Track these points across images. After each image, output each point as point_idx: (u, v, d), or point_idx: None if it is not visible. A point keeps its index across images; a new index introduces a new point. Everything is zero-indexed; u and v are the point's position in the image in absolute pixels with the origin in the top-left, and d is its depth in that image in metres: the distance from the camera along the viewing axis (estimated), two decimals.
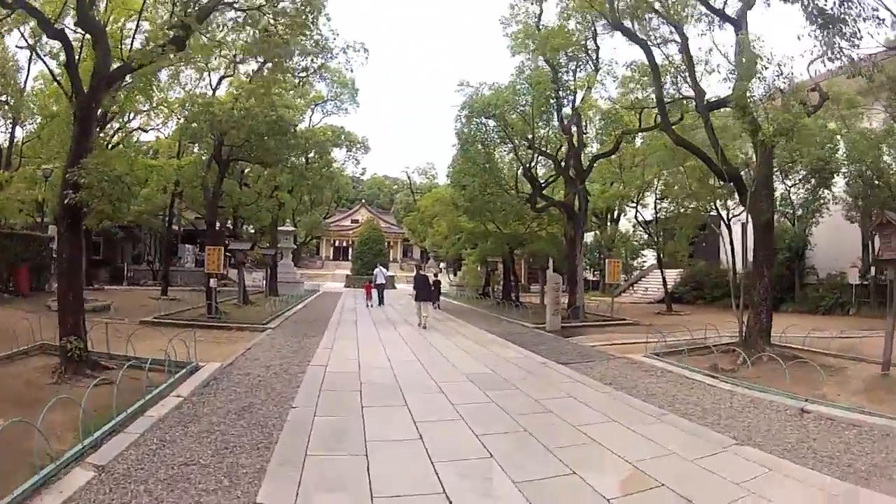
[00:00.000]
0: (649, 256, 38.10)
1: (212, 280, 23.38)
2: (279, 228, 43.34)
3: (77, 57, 14.69)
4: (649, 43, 19.03)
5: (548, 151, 28.66)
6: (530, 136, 27.23)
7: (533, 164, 29.58)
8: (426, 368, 13.74)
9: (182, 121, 24.98)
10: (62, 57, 16.19)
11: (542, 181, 30.11)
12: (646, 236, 34.91)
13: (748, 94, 15.06)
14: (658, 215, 32.53)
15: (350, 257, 77.21)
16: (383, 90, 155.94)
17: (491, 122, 26.82)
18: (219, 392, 10.45)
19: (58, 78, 22.75)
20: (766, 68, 14.82)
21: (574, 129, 26.82)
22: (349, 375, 12.55)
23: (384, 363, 14.37)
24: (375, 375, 12.64)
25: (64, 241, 12.26)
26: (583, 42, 25.82)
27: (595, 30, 25.03)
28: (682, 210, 30.61)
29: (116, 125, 31.24)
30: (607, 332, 22.23)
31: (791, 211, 28.75)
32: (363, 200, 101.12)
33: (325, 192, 52.59)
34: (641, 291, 42.97)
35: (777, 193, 25.91)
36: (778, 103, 15.17)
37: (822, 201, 27.37)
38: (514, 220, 31.87)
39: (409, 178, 66.72)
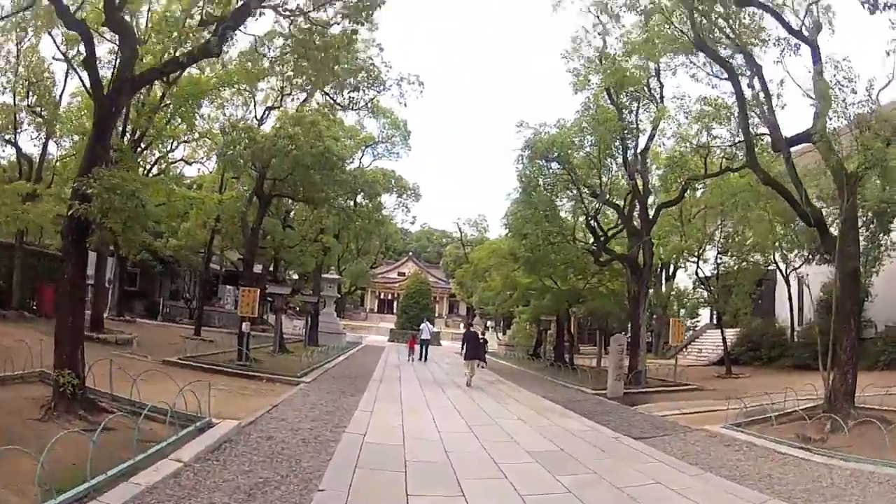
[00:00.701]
0: (703, 315, 36.07)
1: (244, 324, 21.51)
2: (323, 276, 41.66)
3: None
4: (719, 74, 18.08)
5: (612, 200, 26.52)
6: (596, 181, 25.39)
7: (598, 212, 27.45)
8: (482, 443, 11.53)
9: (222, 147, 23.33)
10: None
11: (604, 232, 27.93)
12: (704, 293, 32.64)
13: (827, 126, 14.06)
14: (718, 270, 30.44)
15: (395, 311, 75.96)
16: (430, 137, 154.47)
17: (554, 165, 24.86)
18: (230, 459, 8.47)
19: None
20: (856, 92, 13.92)
21: (638, 175, 24.87)
22: (391, 449, 10.46)
23: (432, 433, 12.28)
24: (423, 450, 10.53)
25: (68, 259, 10.95)
26: (645, 81, 24.42)
27: (658, 67, 23.61)
28: (742, 264, 29.15)
29: (157, 153, 30.52)
30: (673, 398, 20.26)
31: None
32: (410, 253, 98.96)
33: (372, 240, 51.14)
34: (695, 353, 39.67)
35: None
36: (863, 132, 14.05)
37: (882, 248, 25.00)
38: (573, 275, 29.71)
39: (459, 229, 64.05)
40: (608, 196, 26.27)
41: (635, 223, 25.98)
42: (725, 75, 17.83)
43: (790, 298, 29.40)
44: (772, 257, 28.56)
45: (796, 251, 25.86)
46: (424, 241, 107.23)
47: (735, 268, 30.04)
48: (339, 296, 49.30)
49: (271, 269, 35.26)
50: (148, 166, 29.46)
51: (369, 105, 25.56)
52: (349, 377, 21.65)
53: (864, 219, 24.62)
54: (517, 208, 26.37)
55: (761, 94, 16.63)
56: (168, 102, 24.41)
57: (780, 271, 28.69)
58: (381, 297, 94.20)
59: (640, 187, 24.82)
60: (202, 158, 34.56)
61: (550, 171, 24.69)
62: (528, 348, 42.18)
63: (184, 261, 40.37)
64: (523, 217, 25.25)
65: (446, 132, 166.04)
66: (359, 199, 34.20)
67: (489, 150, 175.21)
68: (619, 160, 25.75)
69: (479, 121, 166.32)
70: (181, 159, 34.26)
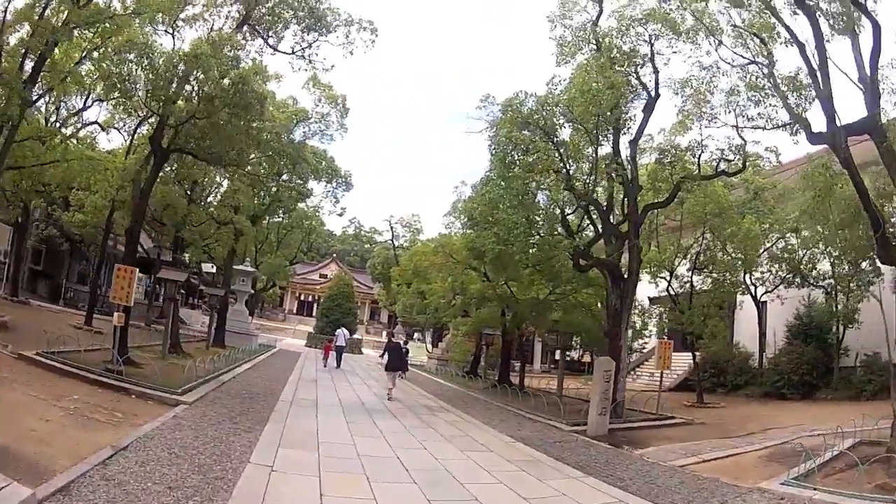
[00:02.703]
0: (652, 338, 32.41)
1: (116, 315, 15.98)
2: (235, 267, 35.93)
3: None
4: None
5: (592, 195, 21.65)
6: (586, 165, 20.81)
7: (588, 202, 21.94)
8: None
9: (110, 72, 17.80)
10: None
11: (596, 229, 23.21)
12: (657, 311, 30.16)
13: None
14: (692, 288, 26.89)
15: (315, 314, 70.60)
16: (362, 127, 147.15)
17: (535, 139, 19.77)
18: None
19: None
20: None
21: (628, 165, 20.44)
22: None
23: None
24: None
25: None
26: (640, 63, 20.20)
27: (653, 51, 19.74)
28: (720, 282, 26.64)
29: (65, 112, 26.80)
30: (669, 437, 16.71)
31: (834, 284, 24.86)
32: (334, 255, 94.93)
33: (294, 233, 45.71)
34: (646, 377, 35.87)
35: (821, 267, 24.92)
36: None
37: (869, 276, 23.55)
38: (539, 282, 24.94)
39: (391, 227, 58.17)
40: (591, 188, 21.49)
41: (616, 224, 21.63)
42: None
43: (760, 322, 27.97)
44: (742, 278, 27.11)
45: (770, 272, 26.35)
46: (349, 245, 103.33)
47: (708, 286, 27.19)
48: (253, 292, 42.72)
49: (169, 246, 29.11)
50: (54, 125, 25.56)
51: (307, 55, 20.11)
52: (250, 396, 16.40)
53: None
54: (487, 190, 21.00)
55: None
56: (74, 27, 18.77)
57: (751, 293, 27.40)
58: (302, 298, 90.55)
59: (630, 180, 20.22)
60: (120, 124, 29.05)
61: (532, 144, 19.54)
62: (464, 364, 37.00)
63: (90, 240, 34.49)
64: (493, 200, 20.13)
65: (379, 121, 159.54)
66: (284, 177, 28.53)
67: (427, 148, 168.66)
68: (602, 150, 21.33)
69: (415, 114, 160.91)
70: (95, 122, 29.05)
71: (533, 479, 10.39)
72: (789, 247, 26.08)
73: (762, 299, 27.67)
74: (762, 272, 26.82)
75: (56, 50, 19.35)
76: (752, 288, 27.32)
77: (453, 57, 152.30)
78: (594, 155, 20.86)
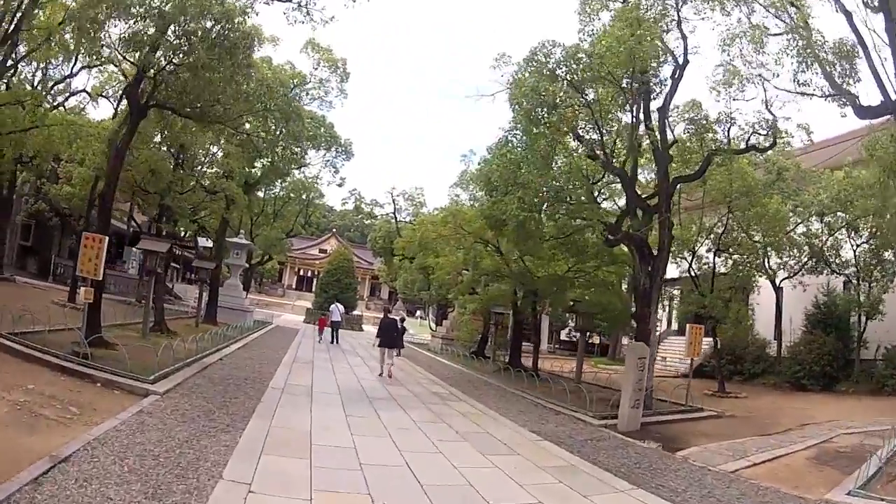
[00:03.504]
0: (662, 322, 31.96)
1: (82, 290, 14.04)
2: (228, 239, 33.93)
3: None
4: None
5: (616, 164, 19.57)
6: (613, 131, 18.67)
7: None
8: None
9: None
10: None
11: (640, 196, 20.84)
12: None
13: None
14: (714, 270, 25.57)
15: (314, 289, 69.18)
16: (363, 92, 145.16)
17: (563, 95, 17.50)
18: None
19: None
20: None
21: (657, 132, 18.38)
22: None
23: None
24: None
25: None
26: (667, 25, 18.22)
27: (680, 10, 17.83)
28: (740, 266, 25.59)
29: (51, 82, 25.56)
30: (705, 432, 15.34)
31: (857, 272, 24.21)
32: (334, 230, 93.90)
33: (292, 203, 43.72)
34: (659, 362, 34.35)
35: (846, 255, 24.33)
36: None
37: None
38: (561, 257, 22.95)
39: (393, 200, 55.57)
40: (614, 156, 19.42)
41: (645, 197, 19.86)
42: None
43: (778, 308, 26.46)
44: (763, 261, 25.92)
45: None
46: (349, 220, 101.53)
47: (728, 269, 26.04)
48: (248, 265, 40.75)
49: (160, 221, 26.94)
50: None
51: (304, 3, 17.66)
52: (235, 382, 14.42)
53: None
54: (507, 150, 18.86)
55: None
56: None
57: (770, 278, 26.12)
58: (301, 273, 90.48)
59: (661, 149, 18.19)
60: (109, 91, 27.33)
61: (560, 99, 17.26)
62: (470, 345, 34.55)
63: (79, 213, 31.99)
64: (515, 161, 17.91)
65: (377, 92, 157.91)
66: (278, 140, 26.32)
67: (425, 123, 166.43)
68: (627, 118, 19.32)
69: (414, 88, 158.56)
70: (84, 90, 27.38)
71: (576, 496, 8.46)
72: (812, 231, 25.03)
73: (780, 285, 26.48)
74: (784, 256, 25.59)
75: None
76: (772, 272, 26.10)
77: (457, 27, 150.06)
78: (624, 120, 18.98)
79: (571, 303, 24.90)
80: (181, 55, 14.85)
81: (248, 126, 20.06)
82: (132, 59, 16.60)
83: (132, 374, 12.15)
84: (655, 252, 18.31)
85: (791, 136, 18.44)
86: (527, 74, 16.81)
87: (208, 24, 14.28)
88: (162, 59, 15.27)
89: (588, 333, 42.81)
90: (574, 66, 16.68)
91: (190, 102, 16.81)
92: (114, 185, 16.62)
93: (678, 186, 20.90)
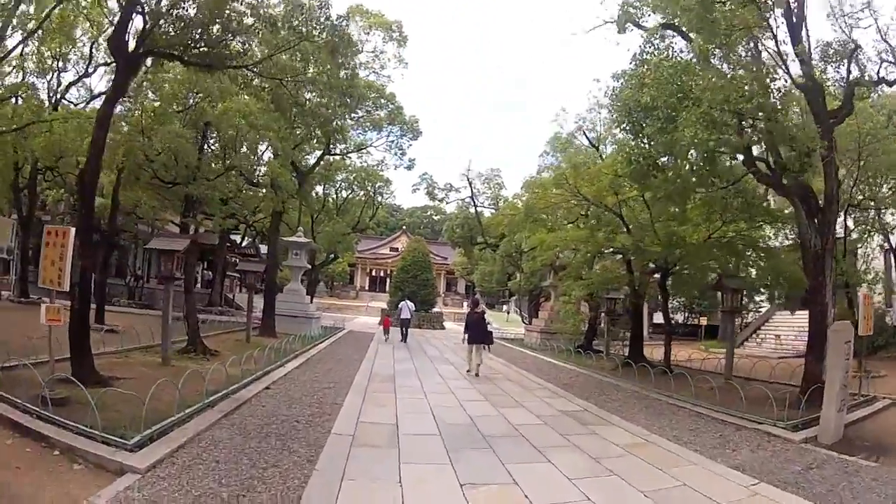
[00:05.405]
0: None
1: (43, 307, 9.51)
2: (284, 238, 29.57)
3: None
4: None
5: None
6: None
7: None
8: None
9: None
10: None
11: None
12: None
13: None
14: (846, 231, 23.31)
15: (388, 289, 65.10)
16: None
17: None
18: None
19: None
20: None
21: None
22: None
23: None
24: None
25: None
26: None
27: None
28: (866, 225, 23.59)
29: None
30: None
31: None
32: (404, 228, 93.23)
33: (356, 196, 39.79)
34: (771, 342, 30.96)
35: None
36: None
37: None
38: (714, 216, 17.49)
39: (470, 183, 50.34)
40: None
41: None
42: None
43: (889, 274, 25.52)
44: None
45: None
46: (418, 217, 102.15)
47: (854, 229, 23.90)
48: (310, 267, 35.98)
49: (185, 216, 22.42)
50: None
51: None
52: (279, 431, 9.43)
53: None
54: (664, 59, 13.51)
55: None
56: None
57: (889, 240, 24.09)
58: (373, 273, 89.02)
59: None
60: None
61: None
62: (576, 339, 29.04)
63: (119, 227, 29.50)
64: (679, 67, 12.53)
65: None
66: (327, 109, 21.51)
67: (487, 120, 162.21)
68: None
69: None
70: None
71: None
72: None
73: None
74: None
75: None
76: (889, 230, 23.72)
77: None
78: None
79: (716, 276, 19.45)
80: None
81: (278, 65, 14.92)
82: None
83: (104, 435, 7.52)
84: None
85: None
86: None
87: None
88: None
89: (687, 315, 38.10)
90: None
91: (195, 42, 12.19)
92: (97, 161, 12.06)
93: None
